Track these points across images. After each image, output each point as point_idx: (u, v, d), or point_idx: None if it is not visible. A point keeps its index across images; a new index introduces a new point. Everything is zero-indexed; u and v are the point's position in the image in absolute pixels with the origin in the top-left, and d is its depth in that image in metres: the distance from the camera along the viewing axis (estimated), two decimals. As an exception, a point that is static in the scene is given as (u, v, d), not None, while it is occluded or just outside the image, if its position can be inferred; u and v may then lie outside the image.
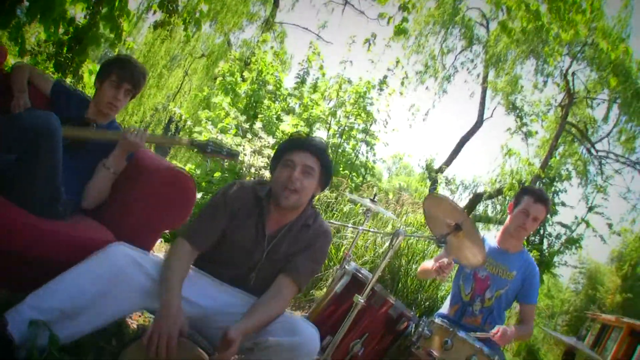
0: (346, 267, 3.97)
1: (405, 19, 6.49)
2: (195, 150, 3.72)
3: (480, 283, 4.21)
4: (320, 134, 9.40)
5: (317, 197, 3.18)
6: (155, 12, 6.76)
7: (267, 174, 6.46)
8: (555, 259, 17.98)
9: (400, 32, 6.58)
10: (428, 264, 4.37)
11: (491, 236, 4.28)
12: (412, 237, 6.43)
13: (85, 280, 2.59)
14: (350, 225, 4.55)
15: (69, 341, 2.56)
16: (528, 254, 4.32)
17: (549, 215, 15.34)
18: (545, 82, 19.10)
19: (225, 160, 3.88)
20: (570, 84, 17.36)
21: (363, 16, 19.44)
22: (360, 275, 3.85)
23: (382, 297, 3.77)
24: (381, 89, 9.32)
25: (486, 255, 3.69)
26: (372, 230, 4.57)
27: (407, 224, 7.54)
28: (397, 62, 9.59)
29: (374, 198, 4.50)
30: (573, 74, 17.47)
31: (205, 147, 3.58)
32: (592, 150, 19.06)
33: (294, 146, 2.99)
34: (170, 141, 3.85)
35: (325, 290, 5.42)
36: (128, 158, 3.51)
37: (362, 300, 3.33)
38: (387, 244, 6.33)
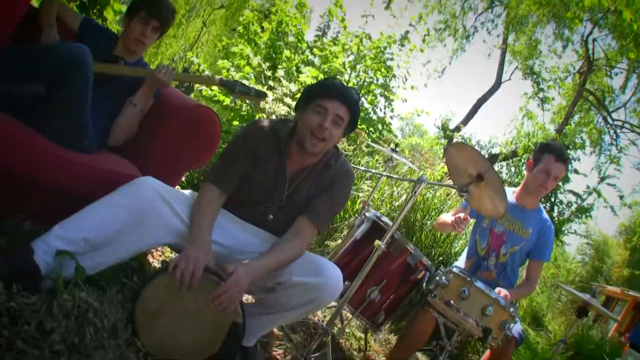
0: (366, 214, 4.00)
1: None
2: (224, 89, 3.72)
3: (496, 238, 4.24)
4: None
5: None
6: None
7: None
8: (564, 227, 17.95)
9: None
10: (446, 217, 4.39)
11: (509, 192, 4.27)
12: (434, 186, 6.44)
13: (112, 212, 2.61)
14: (372, 170, 4.54)
15: (92, 272, 2.59)
16: (544, 212, 4.32)
17: (560, 183, 15.30)
18: (564, 47, 18.98)
19: (253, 100, 3.88)
20: (590, 50, 17.20)
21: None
22: (380, 222, 3.88)
23: (402, 244, 3.81)
24: (402, 45, 9.28)
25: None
26: (394, 177, 4.56)
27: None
28: (420, 17, 9.53)
29: (395, 147, 4.50)
30: (594, 40, 17.31)
31: (234, 87, 3.59)
32: (609, 119, 18.96)
33: (329, 93, 2.91)
34: (199, 79, 3.83)
35: (339, 241, 5.46)
36: (155, 96, 3.52)
37: (383, 245, 3.36)
38: (404, 196, 6.37)
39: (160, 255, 3.80)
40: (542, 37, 19.84)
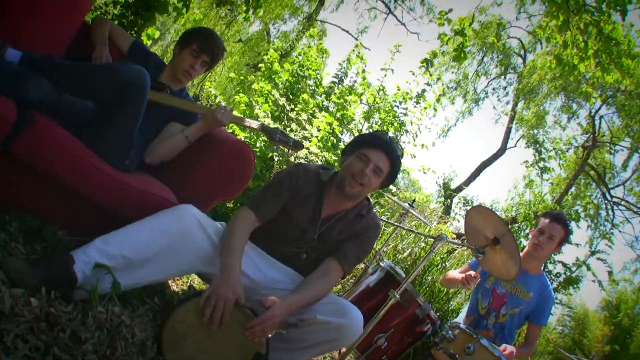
0: (380, 264, 4.10)
1: (466, 43, 6.59)
2: (264, 135, 3.81)
3: (497, 299, 4.36)
4: (351, 135, 9.46)
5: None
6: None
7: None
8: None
9: (459, 57, 6.71)
10: (454, 273, 4.51)
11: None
12: (452, 244, 6.52)
13: (154, 234, 2.72)
14: (395, 223, 4.65)
15: (123, 290, 2.66)
16: (546, 278, 4.47)
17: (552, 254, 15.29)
18: (569, 119, 19.24)
19: (291, 149, 3.99)
20: (597, 127, 17.40)
21: (402, 27, 19.59)
22: (394, 273, 3.99)
23: (413, 296, 3.91)
24: (417, 102, 9.41)
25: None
26: (416, 231, 4.68)
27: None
28: (439, 78, 9.67)
29: (412, 203, 4.63)
30: (601, 117, 17.53)
31: (274, 134, 3.70)
32: (607, 195, 19.07)
33: (373, 144, 3.12)
34: (241, 121, 3.91)
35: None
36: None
37: (397, 296, 3.47)
38: (408, 251, 6.47)
39: (178, 279, 3.87)
40: (550, 109, 20.07)
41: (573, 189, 19.22)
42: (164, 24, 18.91)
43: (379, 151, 3.09)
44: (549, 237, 4.26)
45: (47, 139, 2.77)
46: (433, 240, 3.62)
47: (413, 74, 9.36)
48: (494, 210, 3.72)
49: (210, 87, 10.36)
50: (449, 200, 18.04)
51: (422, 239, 6.72)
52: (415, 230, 5.37)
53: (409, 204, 4.60)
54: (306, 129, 7.22)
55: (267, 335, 2.61)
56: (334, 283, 3.05)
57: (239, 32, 18.46)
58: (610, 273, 18.09)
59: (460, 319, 4.62)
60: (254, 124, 3.80)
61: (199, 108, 3.60)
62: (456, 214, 15.82)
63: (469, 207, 18.60)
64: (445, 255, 7.04)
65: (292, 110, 8.06)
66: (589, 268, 17.05)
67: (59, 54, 3.55)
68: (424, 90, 9.54)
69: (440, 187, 20.09)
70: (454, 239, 4.57)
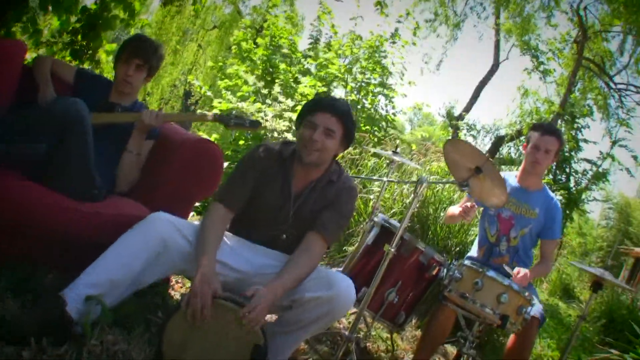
0: (375, 219, 4.08)
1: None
2: (219, 123, 3.81)
3: (504, 223, 4.32)
4: (338, 92, 9.41)
5: (340, 155, 3.32)
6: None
7: (289, 136, 6.54)
8: (584, 195, 17.78)
9: None
10: (454, 209, 4.47)
11: (511, 176, 4.37)
12: (435, 184, 6.48)
13: (132, 250, 2.75)
14: (374, 177, 4.62)
15: (115, 304, 2.71)
16: (549, 190, 4.39)
17: (573, 153, 15.17)
18: (548, 17, 18.93)
19: (249, 130, 3.98)
20: (583, 18, 17.13)
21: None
22: (389, 226, 3.96)
23: (412, 245, 3.88)
24: (394, 42, 9.33)
25: (508, 195, 3.80)
26: (395, 180, 4.64)
27: (432, 173, 7.56)
28: (408, 13, 9.58)
29: (396, 150, 4.58)
30: (585, 8, 17.23)
31: (229, 121, 3.69)
32: (611, 84, 18.83)
33: (317, 108, 3.08)
34: (193, 117, 3.88)
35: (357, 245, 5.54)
36: (153, 137, 3.64)
37: (393, 249, 3.44)
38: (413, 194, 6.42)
39: (181, 287, 3.90)
40: (534, 13, 19.78)
41: (579, 85, 19.02)
42: (117, 38, 18.90)
43: (324, 113, 3.04)
44: (545, 152, 4.18)
45: (6, 190, 2.81)
46: (414, 184, 3.58)
47: (386, 15, 9.27)
48: (467, 141, 3.67)
49: (193, 79, 10.35)
50: (452, 130, 17.92)
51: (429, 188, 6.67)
52: (395, 180, 5.33)
53: (392, 151, 4.55)
54: (282, 102, 7.20)
55: (260, 322, 2.60)
56: (319, 256, 3.01)
57: (209, 21, 18.36)
58: (635, 158, 17.94)
59: (474, 251, 4.55)
60: (206, 116, 3.81)
61: (133, 117, 3.57)
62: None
63: (474, 133, 18.63)
64: (454, 187, 6.98)
65: (272, 82, 8.06)
66: (614, 159, 16.93)
67: (7, 103, 3.55)
68: (396, 29, 9.48)
69: (445, 117, 19.96)
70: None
